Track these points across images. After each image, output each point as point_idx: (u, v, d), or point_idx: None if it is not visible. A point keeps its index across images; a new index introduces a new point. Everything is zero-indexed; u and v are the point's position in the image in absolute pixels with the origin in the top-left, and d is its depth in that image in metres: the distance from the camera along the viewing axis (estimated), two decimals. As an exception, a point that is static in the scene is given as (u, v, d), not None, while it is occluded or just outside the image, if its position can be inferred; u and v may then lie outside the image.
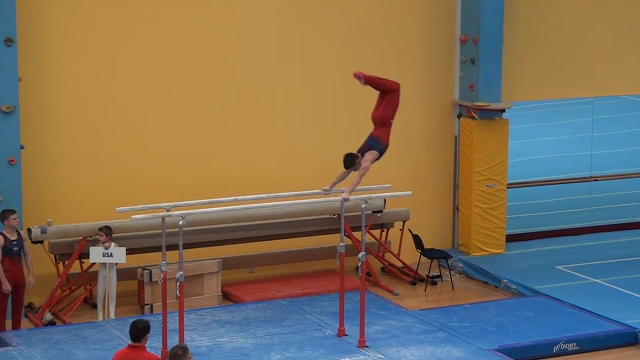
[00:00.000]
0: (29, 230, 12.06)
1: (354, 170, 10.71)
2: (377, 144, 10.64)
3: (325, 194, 10.92)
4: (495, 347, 11.11)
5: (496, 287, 13.59)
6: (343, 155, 10.71)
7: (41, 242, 12.15)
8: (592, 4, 14.98)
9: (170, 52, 13.00)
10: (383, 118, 10.66)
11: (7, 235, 11.48)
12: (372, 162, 10.64)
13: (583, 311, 12.24)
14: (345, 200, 10.73)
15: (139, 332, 8.20)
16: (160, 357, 8.45)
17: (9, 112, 11.88)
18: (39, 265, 12.06)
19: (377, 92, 10.81)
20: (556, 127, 22.76)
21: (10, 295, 11.52)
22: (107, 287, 11.95)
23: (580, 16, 14.94)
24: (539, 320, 11.96)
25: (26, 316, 12.08)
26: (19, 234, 11.59)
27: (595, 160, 17.16)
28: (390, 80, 10.78)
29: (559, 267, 14.00)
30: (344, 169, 10.76)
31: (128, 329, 8.31)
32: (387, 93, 10.69)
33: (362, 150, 10.67)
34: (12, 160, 11.93)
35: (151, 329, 11.28)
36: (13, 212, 11.50)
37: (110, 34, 12.69)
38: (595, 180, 16.59)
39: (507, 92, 14.52)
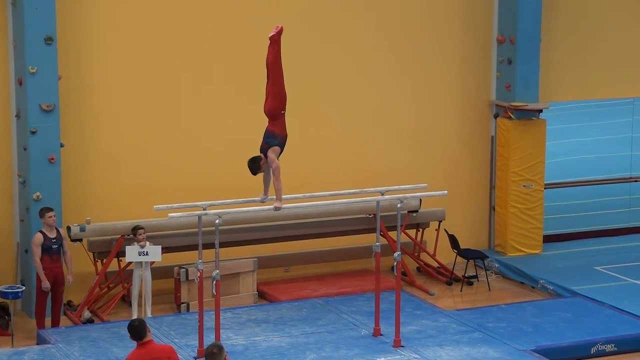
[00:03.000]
0: (68, 229, 12.18)
1: (263, 172, 10.28)
2: (273, 139, 10.13)
3: (263, 202, 10.47)
4: (532, 348, 11.05)
5: (533, 287, 13.50)
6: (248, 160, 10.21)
7: (80, 240, 12.28)
8: (630, 3, 14.84)
9: (209, 54, 13.07)
10: (272, 111, 10.14)
11: (47, 233, 11.60)
12: (278, 157, 10.14)
13: (622, 312, 12.13)
14: (277, 209, 10.27)
15: (138, 330, 8.29)
16: (171, 346, 8.59)
17: (49, 111, 12.02)
18: (78, 263, 12.18)
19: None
20: (595, 128, 22.54)
21: (49, 293, 11.64)
22: (144, 285, 12.05)
23: (619, 15, 14.81)
24: (577, 321, 11.87)
25: (65, 314, 12.20)
26: (58, 232, 11.70)
27: (636, 161, 16.98)
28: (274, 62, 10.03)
29: (597, 267, 13.89)
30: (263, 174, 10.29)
31: (129, 335, 8.36)
32: (269, 80, 10.09)
33: (264, 149, 10.18)
34: (52, 159, 12.07)
35: (187, 327, 11.44)
36: (50, 210, 11.61)
37: (149, 33, 12.80)
38: (636, 181, 16.42)
39: (545, 93, 14.43)
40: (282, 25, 10.04)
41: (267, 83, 10.17)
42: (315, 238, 13.49)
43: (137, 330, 8.29)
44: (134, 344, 10.94)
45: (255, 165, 10.20)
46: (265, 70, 10.23)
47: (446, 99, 14.34)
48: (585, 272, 13.66)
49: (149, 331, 8.34)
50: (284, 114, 10.17)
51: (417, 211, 13.58)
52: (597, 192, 16.94)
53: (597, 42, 14.75)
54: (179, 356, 8.81)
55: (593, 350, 11.28)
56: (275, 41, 10.02)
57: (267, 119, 10.01)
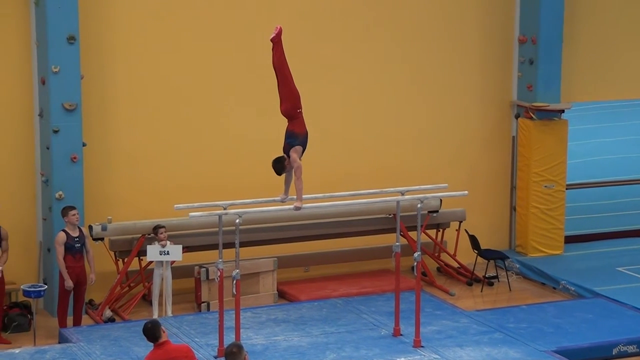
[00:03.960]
0: (90, 228, 12.25)
1: (287, 172, 10.26)
2: (294, 138, 10.15)
3: (283, 202, 10.51)
4: (553, 349, 11.01)
5: (554, 288, 13.45)
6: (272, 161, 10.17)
7: (101, 239, 12.34)
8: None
9: (230, 54, 13.11)
10: (289, 111, 10.17)
11: (69, 232, 11.65)
12: (300, 157, 10.14)
13: (643, 313, 12.08)
14: (298, 209, 10.27)
15: (153, 331, 8.32)
16: (188, 345, 8.61)
17: (71, 110, 12.09)
18: (100, 262, 12.24)
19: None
20: (618, 128, 22.45)
21: (71, 292, 11.69)
22: (164, 285, 12.09)
23: (642, 15, 14.74)
24: (599, 322, 11.81)
25: (86, 313, 12.26)
26: (80, 231, 11.75)
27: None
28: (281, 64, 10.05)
29: (619, 268, 13.81)
30: (285, 174, 10.28)
31: (144, 337, 8.38)
32: (279, 82, 10.14)
33: (286, 151, 10.21)
34: (74, 158, 12.14)
35: (208, 326, 11.48)
36: (73, 208, 11.66)
37: (171, 33, 12.84)
38: (659, 182, 16.35)
39: (567, 93, 14.38)
40: (281, 26, 10.04)
41: (277, 85, 10.19)
42: (335, 238, 13.49)
43: (151, 332, 8.33)
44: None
45: (279, 166, 10.23)
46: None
47: (467, 99, 14.31)
48: (607, 273, 13.58)
49: (164, 332, 8.35)
50: (300, 112, 10.19)
51: (437, 211, 13.56)
52: (620, 193, 16.86)
53: (619, 42, 14.67)
54: (198, 355, 8.83)
55: (615, 351, 11.23)
56: (276, 43, 10.05)
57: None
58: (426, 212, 13.27)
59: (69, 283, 11.55)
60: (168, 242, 12.08)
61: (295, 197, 10.32)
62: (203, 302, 12.47)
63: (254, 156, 13.14)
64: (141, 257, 12.41)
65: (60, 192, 12.09)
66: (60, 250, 11.56)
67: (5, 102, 12.32)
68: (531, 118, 14.15)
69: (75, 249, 11.62)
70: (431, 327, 11.52)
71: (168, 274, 12.11)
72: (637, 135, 21.39)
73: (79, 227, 11.72)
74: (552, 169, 14.29)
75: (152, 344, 8.37)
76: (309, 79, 13.43)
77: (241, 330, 10.78)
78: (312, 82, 13.43)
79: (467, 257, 13.88)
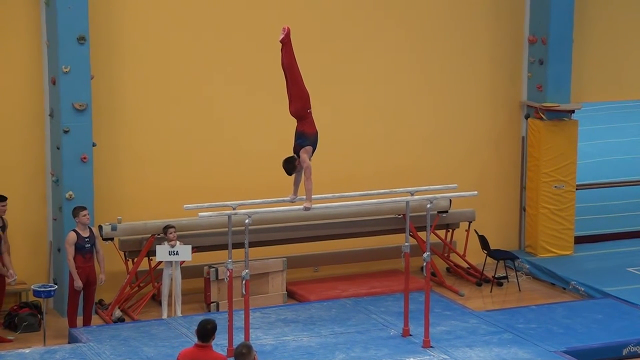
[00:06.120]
0: (100, 228, 12.28)
1: (297, 172, 10.26)
2: (304, 139, 10.14)
3: (292, 202, 10.51)
4: (563, 349, 10.99)
5: (564, 288, 13.42)
6: (282, 161, 10.15)
7: (111, 239, 12.37)
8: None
9: (239, 54, 13.13)
10: (298, 112, 10.17)
11: (80, 232, 11.68)
12: (310, 157, 10.14)
13: (654, 314, 12.05)
14: (307, 209, 10.27)
15: (207, 332, 8.18)
16: (226, 355, 8.46)
17: (81, 110, 12.13)
18: (109, 262, 12.26)
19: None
20: (629, 129, 22.41)
21: (81, 292, 11.71)
22: (174, 285, 12.12)
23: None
24: (609, 322, 11.79)
25: (96, 313, 12.30)
26: (91, 231, 11.78)
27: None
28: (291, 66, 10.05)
29: (629, 269, 13.79)
30: (294, 174, 10.28)
31: (195, 329, 8.31)
32: (288, 82, 10.14)
33: (296, 151, 10.19)
34: (84, 158, 12.17)
35: (217, 326, 11.48)
36: (84, 208, 11.70)
37: (180, 33, 12.87)
38: (670, 182, 16.31)
39: (577, 93, 14.35)
40: (289, 26, 10.06)
41: (286, 85, 10.21)
42: (345, 238, 13.50)
43: (207, 332, 8.16)
44: (165, 343, 11.09)
45: (290, 166, 10.24)
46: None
47: (477, 99, 14.30)
48: (617, 273, 13.56)
49: (214, 338, 8.22)
50: (310, 112, 10.21)
51: (447, 212, 13.55)
52: (630, 193, 16.83)
53: (630, 42, 14.64)
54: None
55: (625, 351, 11.21)
56: (286, 43, 10.07)
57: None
58: (436, 212, 13.26)
59: (79, 283, 11.58)
60: (177, 242, 12.10)
61: (304, 197, 10.33)
62: (212, 302, 12.49)
63: (264, 156, 13.15)
64: (151, 257, 12.43)
65: (71, 192, 12.13)
66: (70, 251, 11.59)
67: (15, 102, 12.37)
68: (541, 118, 14.13)
69: (85, 249, 11.65)
70: (440, 328, 11.51)
71: (177, 274, 12.13)
72: (650, 135, 21.35)
73: (89, 227, 11.75)
74: (562, 170, 14.27)
75: (196, 338, 8.19)
76: (318, 80, 13.44)
77: (250, 331, 10.80)
78: (321, 83, 13.44)
79: (476, 257, 13.86)
